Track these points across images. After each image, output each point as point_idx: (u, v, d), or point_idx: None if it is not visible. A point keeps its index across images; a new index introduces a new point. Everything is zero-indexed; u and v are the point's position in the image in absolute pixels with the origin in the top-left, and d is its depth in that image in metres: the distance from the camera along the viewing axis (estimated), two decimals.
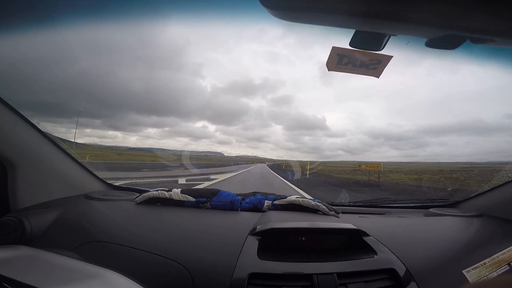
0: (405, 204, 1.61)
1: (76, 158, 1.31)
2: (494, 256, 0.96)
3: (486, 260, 0.93)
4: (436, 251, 0.94)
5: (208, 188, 1.24)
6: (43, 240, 0.93)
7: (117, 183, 1.56)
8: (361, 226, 0.99)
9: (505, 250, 0.99)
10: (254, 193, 1.39)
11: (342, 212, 1.27)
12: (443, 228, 1.18)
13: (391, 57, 0.62)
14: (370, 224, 1.13)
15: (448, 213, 1.35)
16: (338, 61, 0.63)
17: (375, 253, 0.86)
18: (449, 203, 1.56)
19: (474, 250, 0.98)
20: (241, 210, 1.19)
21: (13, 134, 1.04)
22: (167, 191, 1.18)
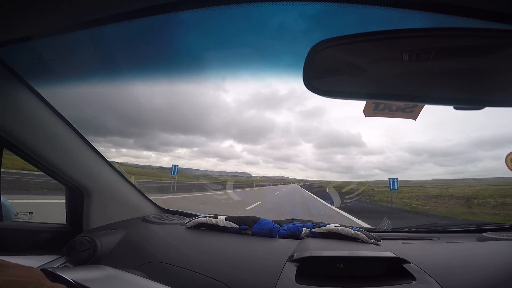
0: (455, 229, 1.52)
1: (134, 185, 1.50)
2: None
3: None
4: (485, 277, 0.90)
5: (250, 216, 1.32)
6: (110, 259, 1.07)
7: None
8: (402, 253, 0.99)
9: None
10: (292, 220, 1.43)
11: (385, 239, 1.25)
12: (497, 253, 1.10)
13: None
14: (412, 251, 1.12)
15: (504, 237, 1.25)
16: (375, 108, 0.69)
17: (414, 279, 0.86)
18: (507, 227, 1.45)
19: None
20: (279, 237, 1.23)
21: (91, 166, 1.24)
22: (214, 217, 1.29)
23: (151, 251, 1.06)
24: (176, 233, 1.25)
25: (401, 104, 0.69)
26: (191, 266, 0.95)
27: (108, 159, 1.33)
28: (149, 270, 0.96)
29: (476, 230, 1.45)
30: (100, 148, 1.29)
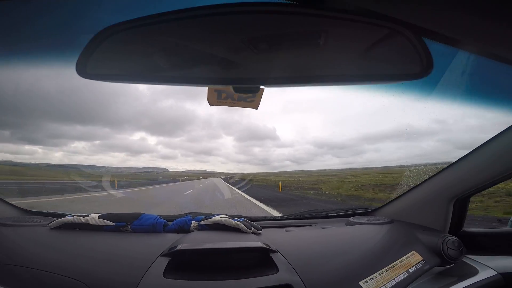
0: (330, 214, 1.65)
1: None
2: (393, 264, 0.98)
3: (385, 269, 0.95)
4: (342, 262, 0.97)
5: (130, 212, 1.23)
6: None
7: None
8: (277, 242, 1.04)
9: (403, 257, 1.03)
10: (186, 214, 1.40)
11: (269, 227, 1.30)
12: (358, 237, 1.20)
13: (263, 89, 0.71)
14: (287, 239, 1.19)
15: (364, 221, 1.37)
16: (218, 97, 0.71)
17: (278, 270, 0.90)
18: (368, 211, 1.61)
19: (378, 258, 1.01)
20: (166, 232, 1.19)
21: None
22: (84, 216, 1.16)
23: None
24: (36, 235, 1.10)
25: (242, 93, 0.72)
26: (47, 267, 0.88)
27: None
28: None
29: (346, 214, 1.59)
30: None
